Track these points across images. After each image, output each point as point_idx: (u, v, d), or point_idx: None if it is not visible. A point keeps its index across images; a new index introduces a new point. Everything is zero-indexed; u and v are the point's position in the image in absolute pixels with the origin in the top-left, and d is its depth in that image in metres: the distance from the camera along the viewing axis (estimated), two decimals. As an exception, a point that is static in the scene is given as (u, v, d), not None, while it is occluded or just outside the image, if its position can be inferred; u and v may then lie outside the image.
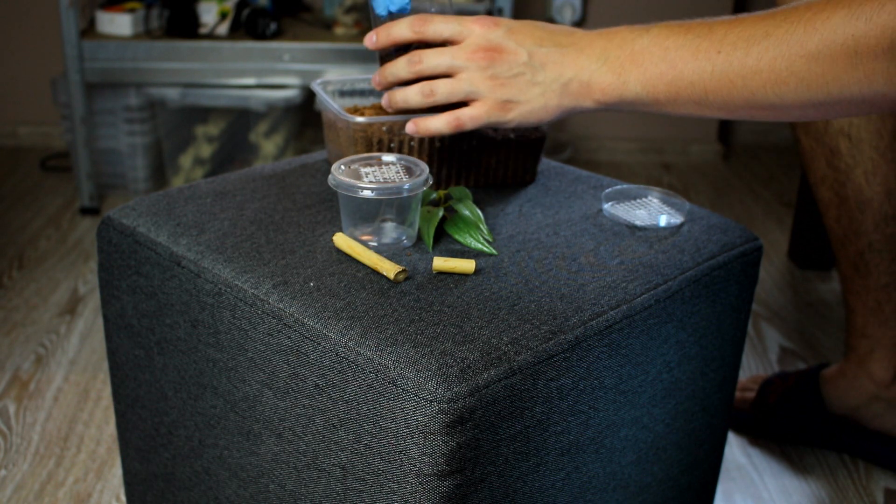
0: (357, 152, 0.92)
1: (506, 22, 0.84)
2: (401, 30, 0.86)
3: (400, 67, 0.86)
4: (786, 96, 0.75)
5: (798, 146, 1.27)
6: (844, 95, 0.73)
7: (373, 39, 0.87)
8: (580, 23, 2.51)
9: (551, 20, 2.49)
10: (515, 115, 0.84)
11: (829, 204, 1.25)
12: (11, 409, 1.41)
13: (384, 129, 0.92)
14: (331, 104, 0.94)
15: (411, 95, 0.86)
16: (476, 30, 0.83)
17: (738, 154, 2.71)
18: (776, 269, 1.97)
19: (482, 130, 0.95)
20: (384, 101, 0.89)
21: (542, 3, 2.55)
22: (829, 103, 0.75)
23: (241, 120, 2.27)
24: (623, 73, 0.81)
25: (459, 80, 0.84)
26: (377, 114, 0.95)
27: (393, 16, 0.90)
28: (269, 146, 2.23)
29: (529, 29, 0.84)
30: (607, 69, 0.82)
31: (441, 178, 0.96)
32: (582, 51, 0.83)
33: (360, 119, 0.90)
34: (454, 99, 0.84)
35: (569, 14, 2.49)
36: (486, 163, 0.97)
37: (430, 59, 0.84)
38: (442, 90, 0.84)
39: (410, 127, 0.86)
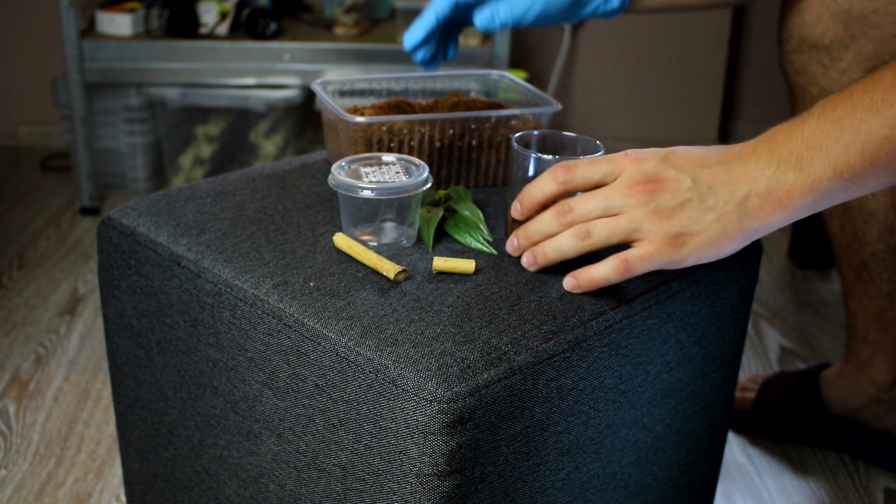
0: (357, 152, 0.92)
1: (654, 151, 0.76)
2: (544, 186, 0.77)
3: (548, 223, 0.77)
4: None
5: None
6: None
7: (517, 209, 0.79)
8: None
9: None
10: (691, 250, 0.74)
11: (833, 212, 1.24)
12: (11, 409, 1.41)
13: (384, 129, 0.92)
14: (331, 104, 0.94)
15: (564, 243, 0.76)
16: (626, 165, 0.75)
17: (738, 154, 2.71)
18: (776, 269, 1.97)
19: (481, 130, 0.94)
20: (528, 260, 0.79)
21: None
22: None
23: (241, 120, 2.28)
24: (804, 164, 0.72)
25: (619, 219, 0.74)
26: (377, 114, 0.95)
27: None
28: (269, 146, 2.23)
29: (684, 153, 0.75)
30: (785, 168, 0.72)
31: (441, 178, 0.96)
32: (748, 160, 0.74)
33: (360, 119, 0.90)
34: (614, 240, 0.74)
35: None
36: (486, 163, 0.97)
37: (583, 206, 0.75)
38: (600, 231, 0.74)
39: (570, 282, 0.77)
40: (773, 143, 0.73)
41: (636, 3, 1.03)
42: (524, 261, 0.79)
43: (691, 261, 0.75)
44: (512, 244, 0.80)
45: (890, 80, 0.71)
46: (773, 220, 0.73)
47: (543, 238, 0.77)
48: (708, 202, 0.73)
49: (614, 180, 0.75)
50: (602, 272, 0.75)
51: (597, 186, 0.76)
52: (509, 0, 0.96)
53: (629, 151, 0.76)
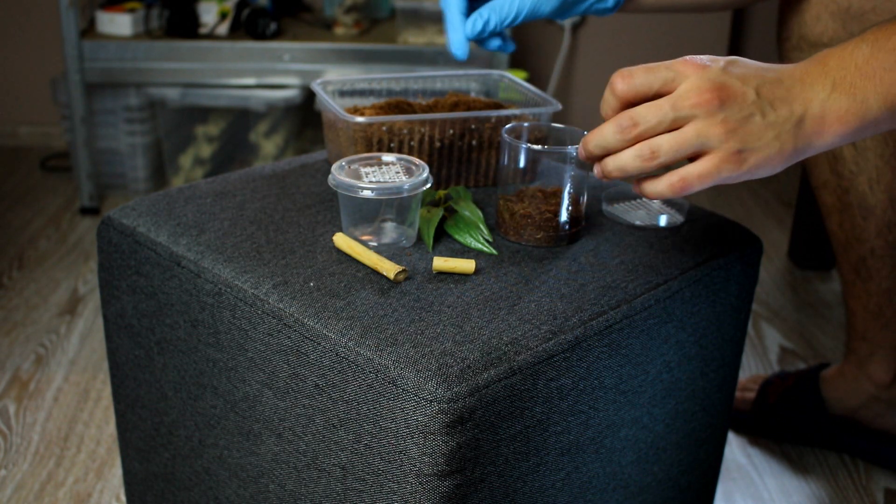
0: (357, 152, 0.92)
1: (713, 58, 0.72)
2: (605, 104, 0.73)
3: (609, 136, 0.72)
4: None
5: None
6: None
7: (583, 153, 0.74)
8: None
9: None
10: (750, 167, 0.71)
11: (832, 209, 1.24)
12: (11, 409, 1.41)
13: (384, 129, 0.92)
14: (331, 104, 0.94)
15: (628, 160, 0.71)
16: (689, 72, 0.71)
17: (738, 154, 2.71)
18: (776, 269, 1.97)
19: (481, 130, 0.94)
20: (597, 170, 0.75)
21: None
22: None
23: (241, 120, 2.28)
24: (857, 91, 0.71)
25: (685, 133, 0.70)
26: (377, 114, 0.95)
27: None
28: (269, 146, 2.23)
29: (743, 64, 0.72)
30: (839, 94, 0.71)
31: (441, 178, 0.96)
32: (804, 81, 0.72)
33: (360, 119, 0.90)
34: (682, 156, 0.71)
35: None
36: (486, 163, 0.97)
37: (647, 117, 0.70)
38: (666, 148, 0.70)
39: (644, 191, 0.73)
40: (826, 67, 0.72)
41: (631, 1, 1.02)
42: (596, 170, 0.75)
43: (746, 177, 0.72)
44: (580, 154, 0.76)
45: None
46: (821, 142, 0.72)
47: (605, 152, 0.73)
48: (769, 118, 0.71)
49: (675, 88, 0.71)
50: (658, 188, 0.72)
51: (658, 96, 0.72)
52: (495, 4, 0.90)
53: (688, 57, 0.72)
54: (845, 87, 0.71)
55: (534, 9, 0.91)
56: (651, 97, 0.72)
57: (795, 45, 1.15)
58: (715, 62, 0.72)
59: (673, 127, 0.70)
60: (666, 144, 0.70)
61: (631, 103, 0.72)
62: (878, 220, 1.21)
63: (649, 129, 0.71)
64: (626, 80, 0.72)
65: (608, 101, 0.73)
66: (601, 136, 0.72)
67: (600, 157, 0.74)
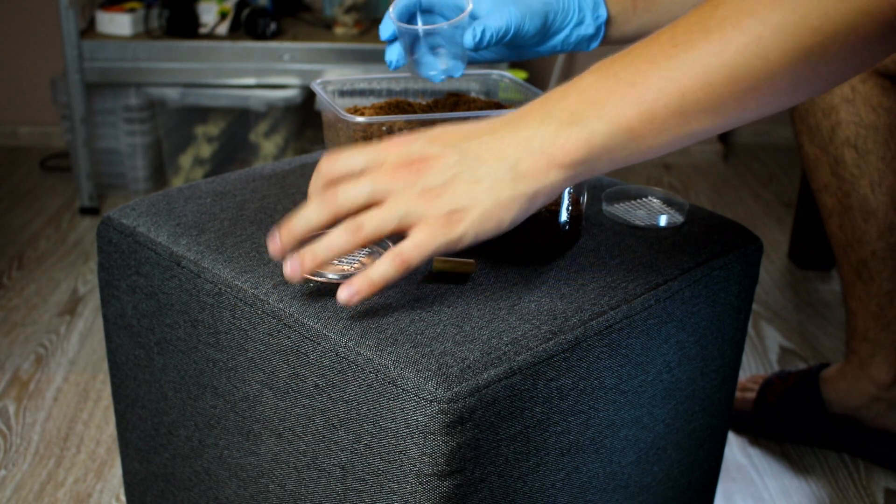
0: (357, 152, 0.92)
1: (422, 133, 0.72)
2: (311, 211, 0.70)
3: (312, 212, 0.70)
4: (770, 53, 0.63)
5: (801, 153, 1.27)
6: (837, 27, 0.62)
7: (276, 244, 0.72)
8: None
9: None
10: (468, 227, 0.68)
11: (833, 211, 1.25)
12: (11, 409, 1.41)
13: (384, 129, 0.92)
14: (331, 104, 0.94)
15: (335, 239, 0.70)
16: (391, 149, 0.71)
17: (738, 154, 2.71)
18: (776, 269, 1.97)
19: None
20: (293, 268, 0.71)
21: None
22: (822, 46, 0.63)
23: (241, 120, 2.28)
24: (579, 119, 0.67)
25: (387, 206, 0.69)
26: (377, 114, 0.95)
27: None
28: (269, 146, 2.23)
29: (451, 129, 0.71)
30: (558, 125, 0.68)
31: (441, 178, 0.96)
32: (518, 125, 0.69)
33: (360, 119, 0.90)
34: (387, 229, 0.69)
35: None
36: (486, 163, 0.97)
37: (346, 193, 0.69)
38: (370, 222, 0.69)
39: (345, 293, 0.70)
40: (547, 103, 0.69)
41: (613, 31, 0.96)
42: (287, 269, 0.71)
43: (469, 238, 0.69)
44: (274, 244, 0.72)
45: (667, 34, 0.66)
46: (550, 180, 0.69)
47: (308, 230, 0.71)
48: (478, 173, 0.68)
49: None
50: (379, 271, 0.70)
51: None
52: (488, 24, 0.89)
53: (395, 138, 0.72)
54: (565, 117, 0.68)
55: (519, 25, 0.90)
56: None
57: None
58: (421, 136, 0.71)
59: (373, 201, 0.69)
60: (370, 219, 0.69)
61: (336, 184, 0.71)
62: (880, 223, 1.21)
63: (349, 203, 0.70)
64: (329, 162, 0.72)
65: (314, 182, 0.73)
66: (304, 214, 0.71)
67: (303, 243, 0.71)
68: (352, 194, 0.69)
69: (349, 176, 0.71)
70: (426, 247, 0.69)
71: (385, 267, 0.69)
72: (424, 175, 0.69)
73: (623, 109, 0.66)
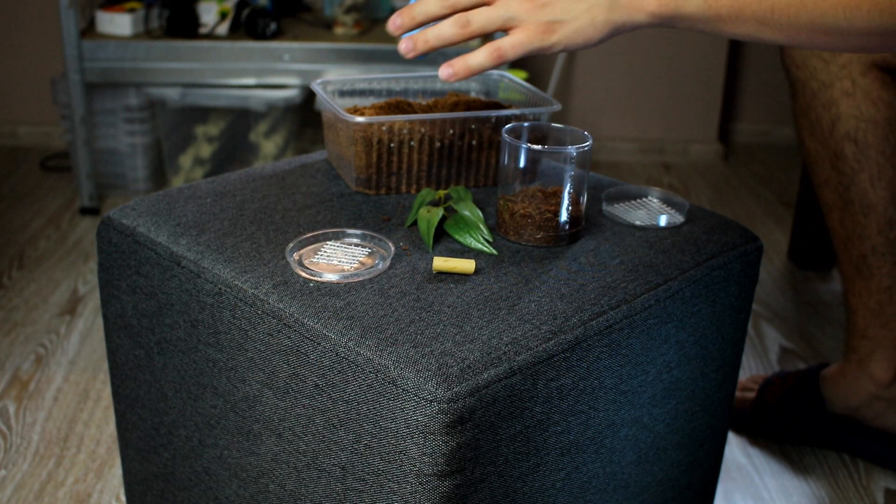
0: (357, 152, 0.92)
1: None
2: (431, 3, 0.81)
3: (431, 3, 0.81)
4: (855, 21, 0.73)
5: (802, 148, 1.27)
6: None
7: (396, 23, 0.82)
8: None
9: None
10: (560, 37, 0.79)
11: (833, 206, 1.24)
12: (11, 409, 1.41)
13: (384, 128, 0.92)
14: (331, 104, 0.94)
15: (445, 29, 0.80)
16: None
17: (738, 154, 2.71)
18: (776, 269, 1.97)
19: (481, 130, 0.94)
20: (406, 45, 0.81)
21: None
22: None
23: (241, 120, 2.28)
24: None
25: (496, 7, 0.79)
26: (377, 114, 0.95)
27: None
28: (269, 146, 2.23)
29: None
30: None
31: (441, 178, 0.96)
32: None
33: (360, 119, 0.90)
34: (492, 27, 0.79)
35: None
36: (486, 163, 0.97)
37: None
38: (478, 18, 0.79)
39: (445, 71, 0.80)
40: None
41: None
42: (402, 46, 0.81)
43: (560, 47, 0.80)
44: (394, 23, 0.82)
45: None
46: (636, 19, 0.79)
47: (426, 18, 0.81)
48: None
49: None
50: (477, 59, 0.79)
51: None
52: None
53: None
54: None
55: None
56: None
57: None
58: None
59: (485, 1, 0.79)
60: (478, 15, 0.79)
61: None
62: (880, 218, 1.21)
63: (465, 1, 0.79)
64: None
65: (426, 4, 0.81)
66: (425, 3, 0.81)
67: (419, 25, 0.82)
68: None
69: None
70: (522, 46, 0.79)
71: (483, 57, 0.79)
72: None
73: None
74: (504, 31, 0.80)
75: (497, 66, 0.80)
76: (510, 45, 0.79)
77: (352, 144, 0.92)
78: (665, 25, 0.80)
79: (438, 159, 0.94)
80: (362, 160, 0.92)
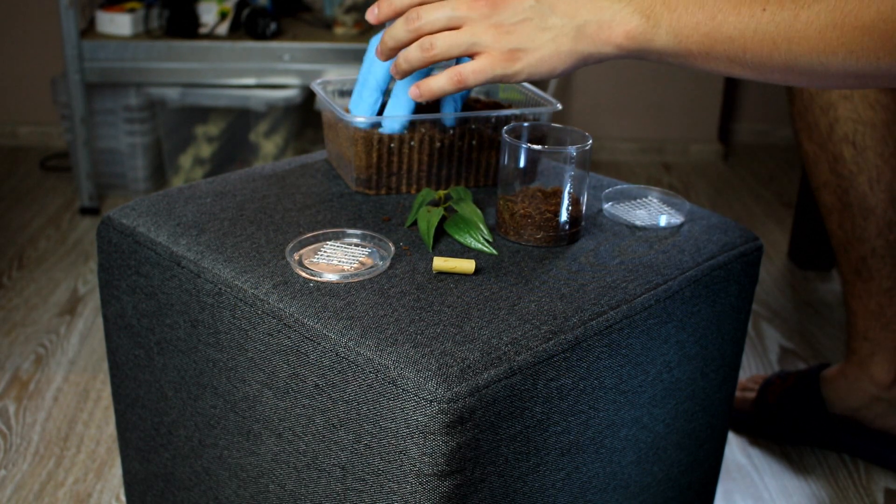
0: (357, 152, 0.92)
1: None
2: (397, 28, 0.81)
3: (398, 29, 0.81)
4: (831, 65, 0.71)
5: (800, 150, 1.27)
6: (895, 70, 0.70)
7: (374, 13, 0.83)
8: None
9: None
10: (524, 66, 0.78)
11: (832, 209, 1.24)
12: (11, 409, 1.41)
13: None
14: (331, 104, 0.94)
15: (411, 53, 0.80)
16: None
17: (738, 154, 2.71)
18: (776, 269, 1.97)
19: (481, 130, 0.94)
20: (391, 70, 0.84)
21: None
22: (875, 76, 0.71)
23: (241, 120, 2.27)
24: (653, 16, 0.75)
25: (462, 32, 0.78)
26: (377, 114, 0.95)
27: None
28: (269, 146, 2.23)
29: None
30: (633, 10, 0.76)
31: (441, 178, 0.96)
32: None
33: (360, 119, 0.90)
34: (455, 52, 0.79)
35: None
36: (486, 163, 0.97)
37: (429, 14, 0.79)
38: (441, 43, 0.79)
39: (413, 91, 0.82)
40: None
41: None
42: (391, 70, 0.84)
43: (523, 76, 0.79)
44: (377, 50, 0.84)
45: None
46: (604, 51, 0.77)
47: (396, 44, 0.82)
48: (547, 22, 0.77)
49: None
50: (439, 83, 0.80)
51: None
52: None
53: None
54: (643, 7, 0.75)
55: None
56: None
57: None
58: None
59: (451, 26, 0.79)
60: (442, 39, 0.79)
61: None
62: (879, 220, 1.21)
63: (429, 25, 0.79)
64: None
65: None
66: (392, 29, 0.82)
67: (394, 53, 0.83)
68: (431, 17, 0.79)
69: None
70: (483, 73, 0.79)
71: (443, 81, 0.80)
72: (501, 11, 0.78)
73: (691, 33, 0.74)
74: (470, 56, 0.80)
75: (459, 91, 0.80)
76: (471, 71, 0.79)
77: (352, 144, 0.92)
78: (634, 58, 0.78)
79: (438, 159, 0.94)
80: (362, 160, 0.92)
